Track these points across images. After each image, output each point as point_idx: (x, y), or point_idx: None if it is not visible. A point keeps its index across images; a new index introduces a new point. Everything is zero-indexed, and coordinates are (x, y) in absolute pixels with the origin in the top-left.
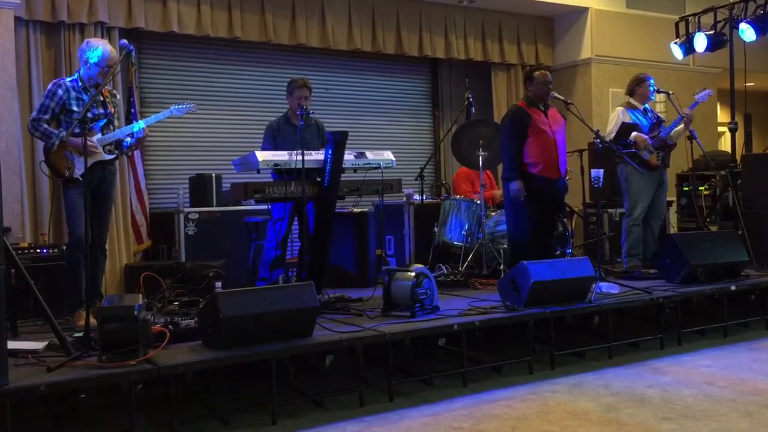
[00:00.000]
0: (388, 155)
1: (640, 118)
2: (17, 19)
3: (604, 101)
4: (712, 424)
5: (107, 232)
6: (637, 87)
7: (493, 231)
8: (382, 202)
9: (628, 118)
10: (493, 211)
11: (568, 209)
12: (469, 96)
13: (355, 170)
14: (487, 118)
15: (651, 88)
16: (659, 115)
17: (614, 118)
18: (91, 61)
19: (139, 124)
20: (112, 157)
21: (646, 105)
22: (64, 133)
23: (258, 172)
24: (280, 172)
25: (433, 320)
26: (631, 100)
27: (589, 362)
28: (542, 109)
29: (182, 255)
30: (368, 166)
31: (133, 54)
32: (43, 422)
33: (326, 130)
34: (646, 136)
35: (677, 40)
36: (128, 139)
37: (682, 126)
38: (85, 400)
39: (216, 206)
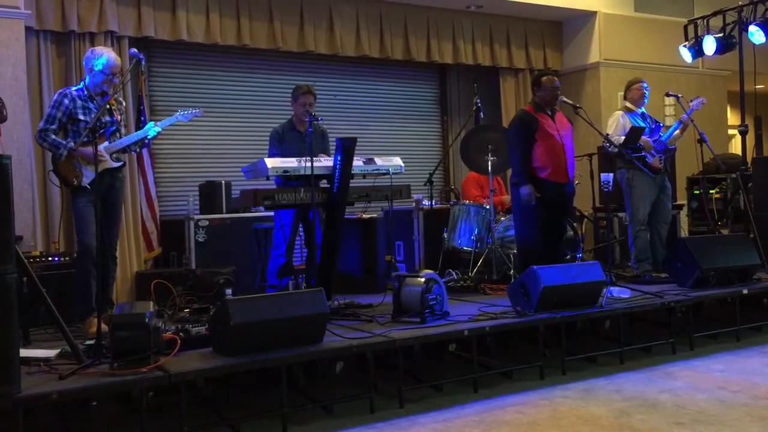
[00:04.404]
0: (397, 161)
1: (639, 121)
2: (28, 29)
3: (613, 105)
4: (725, 429)
5: (117, 240)
6: (627, 91)
7: (503, 236)
8: (391, 207)
9: (627, 121)
10: (502, 216)
11: (578, 213)
12: (478, 101)
13: (364, 176)
14: (496, 123)
15: (643, 91)
16: (657, 120)
17: (614, 122)
18: (96, 69)
19: (155, 129)
20: (120, 164)
21: (643, 109)
22: (72, 143)
23: (267, 179)
24: (287, 177)
25: (444, 326)
26: (627, 104)
27: (601, 367)
28: (549, 113)
29: (192, 262)
30: (377, 172)
31: (143, 63)
32: (55, 430)
33: (335, 136)
34: (649, 139)
35: (686, 43)
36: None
37: (678, 132)
38: (96, 407)
39: (226, 213)
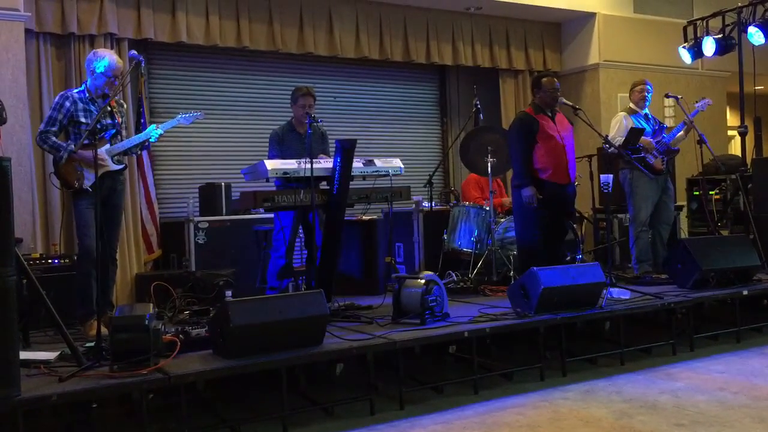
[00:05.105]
0: (397, 162)
1: (642, 122)
2: (27, 32)
3: (613, 106)
4: (726, 430)
5: (118, 242)
6: (631, 92)
7: (503, 237)
8: (391, 209)
9: (630, 122)
10: (502, 218)
11: (578, 215)
12: (477, 102)
13: (363, 178)
14: (496, 124)
15: (644, 94)
16: (660, 121)
17: (616, 123)
18: (98, 71)
19: (157, 132)
20: (121, 167)
21: (647, 111)
22: (72, 146)
23: (267, 180)
24: (287, 179)
25: (444, 327)
26: (631, 105)
27: (601, 368)
28: (550, 114)
29: (192, 264)
30: (377, 173)
31: (143, 65)
32: None
33: (334, 138)
34: (652, 140)
35: (685, 44)
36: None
37: (682, 133)
38: (96, 409)
39: (226, 215)
